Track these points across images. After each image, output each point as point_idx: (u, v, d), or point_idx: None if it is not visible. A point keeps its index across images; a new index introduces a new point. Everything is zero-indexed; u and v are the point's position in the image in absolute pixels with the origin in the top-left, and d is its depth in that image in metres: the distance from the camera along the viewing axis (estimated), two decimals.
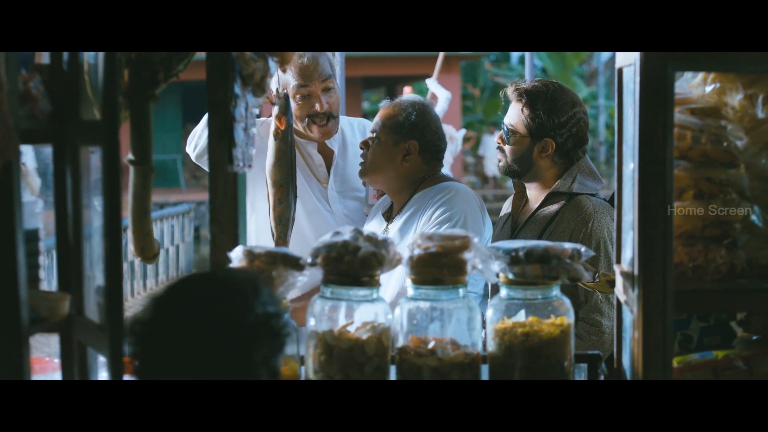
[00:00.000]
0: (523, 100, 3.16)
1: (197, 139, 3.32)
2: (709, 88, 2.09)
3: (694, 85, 2.12)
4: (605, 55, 26.97)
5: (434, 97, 6.49)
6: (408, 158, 3.15)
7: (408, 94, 6.23)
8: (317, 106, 3.32)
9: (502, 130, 3.22)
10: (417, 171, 3.18)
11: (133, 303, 8.83)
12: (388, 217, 3.24)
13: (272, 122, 3.07)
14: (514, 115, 3.18)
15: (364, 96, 26.64)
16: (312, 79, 3.29)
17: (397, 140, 3.15)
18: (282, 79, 3.30)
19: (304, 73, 3.29)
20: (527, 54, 5.32)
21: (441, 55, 6.65)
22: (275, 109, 3.04)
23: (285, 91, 3.10)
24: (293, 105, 3.31)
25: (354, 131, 3.53)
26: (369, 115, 28.83)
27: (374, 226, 3.27)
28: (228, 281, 1.67)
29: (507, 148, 3.20)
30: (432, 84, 6.48)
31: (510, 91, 3.22)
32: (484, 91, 26.15)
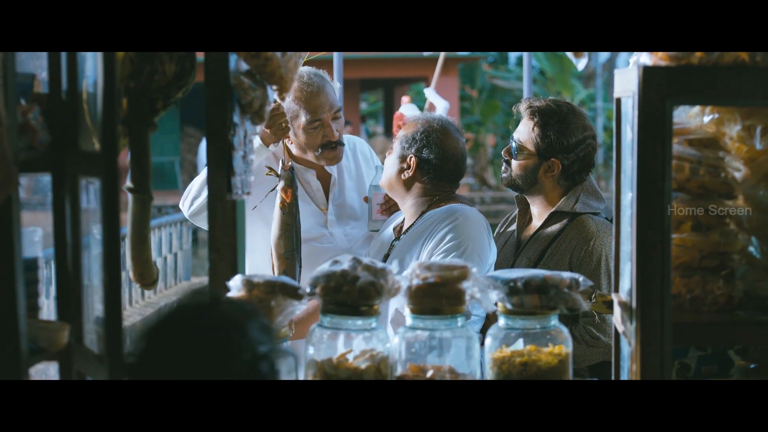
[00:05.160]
0: (535, 119, 3.17)
1: (192, 198, 3.32)
2: (707, 119, 2.08)
3: (692, 115, 2.12)
4: (603, 57, 26.95)
5: (432, 106, 6.48)
6: (407, 173, 3.16)
7: (406, 103, 6.19)
8: (330, 136, 3.34)
9: (510, 144, 3.25)
10: (420, 188, 3.17)
11: (131, 312, 8.81)
12: (398, 232, 3.26)
13: (278, 195, 3.07)
14: (525, 132, 3.20)
15: (362, 98, 26.65)
16: (324, 110, 3.32)
17: (401, 154, 3.19)
18: (292, 109, 3.30)
19: (314, 104, 3.30)
20: (525, 56, 5.29)
21: (439, 63, 6.62)
22: (281, 183, 3.06)
23: (291, 163, 3.11)
24: (303, 136, 3.34)
25: (347, 155, 3.55)
26: (366, 116, 28.81)
27: (382, 241, 3.29)
28: (220, 318, 1.65)
29: (513, 162, 3.22)
30: (430, 94, 6.46)
31: (523, 107, 3.24)
32: (482, 93, 26.08)
